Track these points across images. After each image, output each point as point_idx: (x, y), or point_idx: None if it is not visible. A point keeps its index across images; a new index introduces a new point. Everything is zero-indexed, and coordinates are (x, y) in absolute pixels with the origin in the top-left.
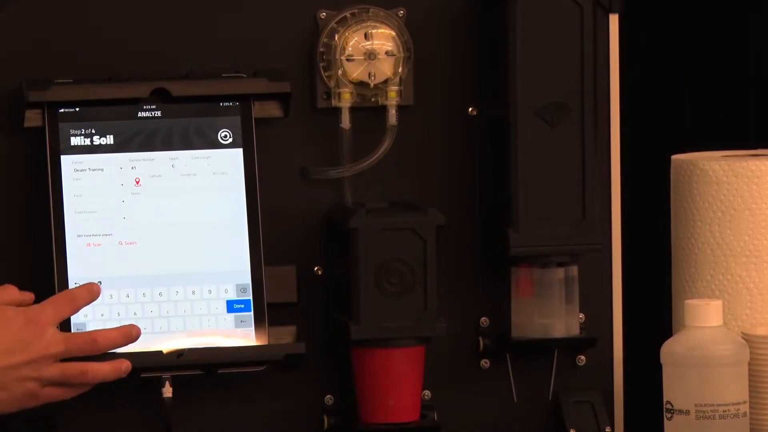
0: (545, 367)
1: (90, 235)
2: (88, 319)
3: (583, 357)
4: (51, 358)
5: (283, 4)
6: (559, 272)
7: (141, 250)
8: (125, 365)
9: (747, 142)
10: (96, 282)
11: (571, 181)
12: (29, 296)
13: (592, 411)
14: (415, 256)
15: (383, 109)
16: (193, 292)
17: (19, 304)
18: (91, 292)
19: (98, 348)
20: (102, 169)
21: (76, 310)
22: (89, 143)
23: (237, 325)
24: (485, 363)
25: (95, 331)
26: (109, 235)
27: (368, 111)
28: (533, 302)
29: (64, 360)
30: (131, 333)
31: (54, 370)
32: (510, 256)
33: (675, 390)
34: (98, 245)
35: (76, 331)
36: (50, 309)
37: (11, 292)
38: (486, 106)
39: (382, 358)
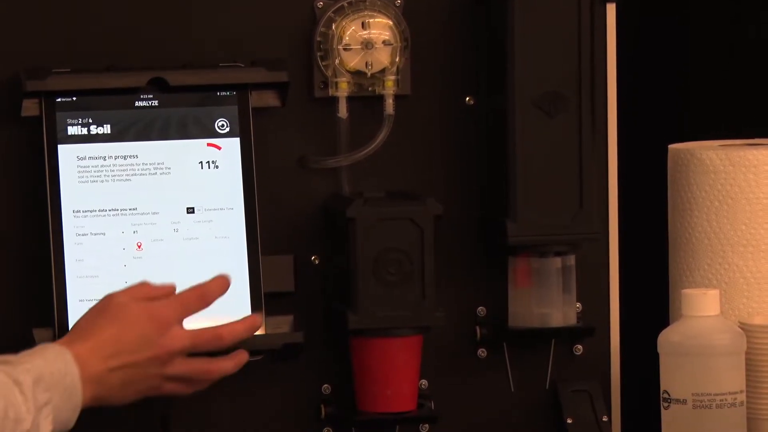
0: (543, 357)
1: (87, 234)
2: None
3: (580, 346)
4: (176, 355)
5: None
6: (557, 262)
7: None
8: (258, 320)
9: (744, 132)
10: (225, 275)
11: (569, 171)
12: (167, 289)
13: (590, 400)
14: (413, 245)
15: (380, 99)
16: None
17: (157, 298)
18: (221, 286)
19: (224, 344)
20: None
21: (206, 306)
22: (86, 132)
23: (234, 315)
24: (483, 352)
25: (221, 326)
26: (103, 232)
27: (365, 100)
28: (531, 292)
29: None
30: (255, 324)
31: (179, 368)
32: (508, 246)
33: (672, 379)
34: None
35: None
36: (177, 305)
37: (146, 289)
38: (483, 96)
39: (380, 348)
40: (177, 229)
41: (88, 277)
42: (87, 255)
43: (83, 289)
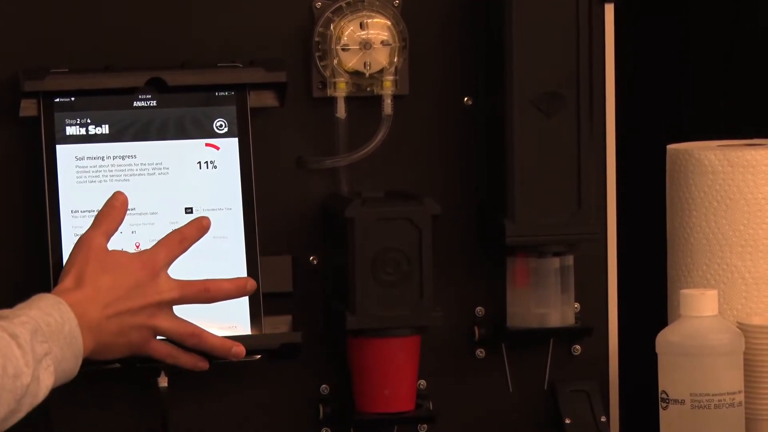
0: (541, 357)
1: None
2: None
3: (578, 346)
4: (166, 305)
5: None
6: (555, 262)
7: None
8: (250, 283)
9: (743, 132)
10: (205, 216)
11: (567, 171)
12: (122, 210)
13: (588, 400)
14: (411, 245)
15: (379, 99)
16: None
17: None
18: (200, 228)
19: (210, 297)
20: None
21: (186, 250)
22: (85, 133)
23: (232, 315)
24: (481, 352)
25: (208, 280)
26: None
27: (364, 100)
28: (529, 292)
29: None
30: (242, 285)
31: (167, 322)
32: (506, 246)
33: (670, 379)
34: None
35: None
36: (163, 252)
37: (110, 219)
38: (482, 97)
39: (378, 348)
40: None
41: None
42: None
43: None
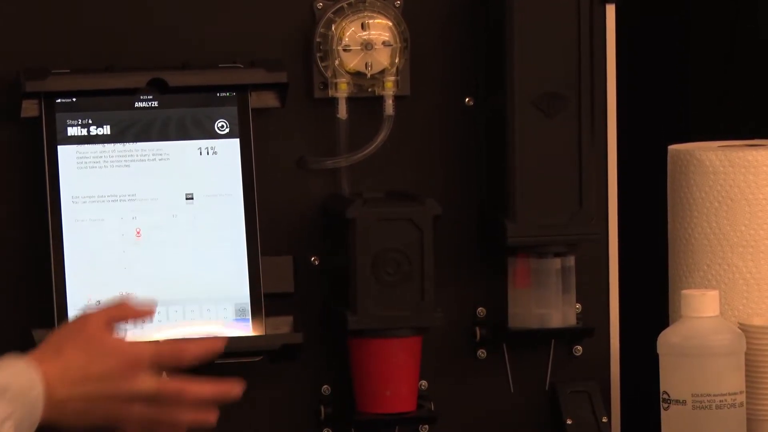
0: (542, 358)
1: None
2: None
3: (579, 347)
4: (138, 399)
5: None
6: (556, 262)
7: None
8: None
9: (744, 132)
10: (215, 338)
11: (568, 171)
12: (143, 312)
13: (589, 401)
14: (412, 246)
15: (380, 100)
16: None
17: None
18: (204, 351)
19: (188, 402)
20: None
21: (180, 364)
22: (86, 133)
23: (234, 315)
24: (482, 353)
25: (185, 383)
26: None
27: (365, 101)
28: (530, 292)
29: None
30: (216, 346)
31: (140, 412)
32: (507, 246)
33: (672, 380)
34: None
35: None
36: (152, 351)
37: (123, 311)
38: (483, 97)
39: (379, 348)
40: (175, 214)
41: (87, 264)
42: (86, 242)
43: (83, 279)
